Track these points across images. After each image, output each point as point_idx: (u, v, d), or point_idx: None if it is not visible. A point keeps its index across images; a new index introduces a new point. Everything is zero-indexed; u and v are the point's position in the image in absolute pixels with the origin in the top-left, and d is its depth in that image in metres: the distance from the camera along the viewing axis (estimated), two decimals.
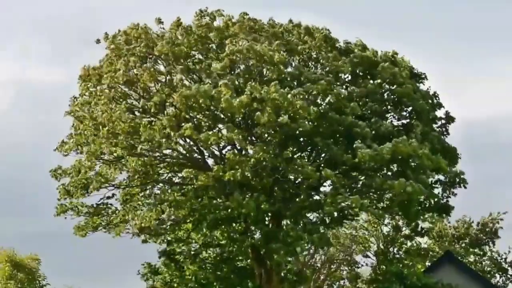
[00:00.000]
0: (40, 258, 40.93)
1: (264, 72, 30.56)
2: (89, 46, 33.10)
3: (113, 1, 68.92)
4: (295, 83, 30.31)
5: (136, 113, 31.96)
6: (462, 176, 32.80)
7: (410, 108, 32.64)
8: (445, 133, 34.32)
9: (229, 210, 30.14)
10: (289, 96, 28.31)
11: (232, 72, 30.43)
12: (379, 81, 31.82)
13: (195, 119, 30.89)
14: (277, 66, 29.69)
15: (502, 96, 73.23)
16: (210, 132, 29.28)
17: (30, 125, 66.14)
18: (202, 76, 30.92)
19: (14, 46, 76.64)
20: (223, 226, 33.06)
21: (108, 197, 33.79)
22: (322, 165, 30.42)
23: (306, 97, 29.30)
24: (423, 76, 33.91)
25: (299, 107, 28.29)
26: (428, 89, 33.77)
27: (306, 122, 28.65)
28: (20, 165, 57.74)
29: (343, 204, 28.93)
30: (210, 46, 31.69)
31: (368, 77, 32.04)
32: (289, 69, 31.14)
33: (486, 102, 74.84)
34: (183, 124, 29.51)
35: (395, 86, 31.69)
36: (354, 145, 28.50)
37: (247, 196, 30.05)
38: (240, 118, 30.41)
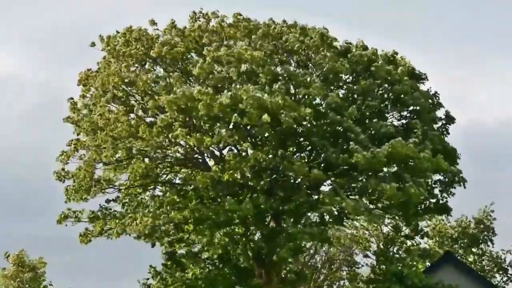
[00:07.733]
0: (46, 262, 40.71)
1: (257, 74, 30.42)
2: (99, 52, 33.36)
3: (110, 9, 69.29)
4: (291, 84, 30.22)
5: (140, 112, 32.02)
6: (461, 175, 32.60)
7: (411, 108, 32.67)
8: (445, 133, 34.26)
9: (228, 214, 30.10)
10: (265, 96, 28.09)
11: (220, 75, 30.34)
12: (378, 81, 31.80)
13: (191, 122, 30.83)
14: (267, 67, 29.58)
15: (502, 97, 73.40)
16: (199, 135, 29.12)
17: (42, 128, 66.11)
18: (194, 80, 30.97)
19: (28, 48, 76.90)
20: (224, 228, 33.05)
21: (110, 201, 33.80)
22: (323, 165, 30.46)
23: (301, 97, 29.24)
24: (424, 76, 33.82)
25: (284, 105, 28.06)
26: (428, 89, 33.66)
27: (293, 118, 28.26)
28: (31, 167, 57.78)
29: (340, 205, 28.92)
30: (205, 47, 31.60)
31: (367, 76, 31.75)
32: (289, 70, 31.09)
33: (486, 103, 74.98)
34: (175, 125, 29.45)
35: (393, 85, 31.62)
36: (350, 147, 28.36)
37: (247, 196, 30.12)
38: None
